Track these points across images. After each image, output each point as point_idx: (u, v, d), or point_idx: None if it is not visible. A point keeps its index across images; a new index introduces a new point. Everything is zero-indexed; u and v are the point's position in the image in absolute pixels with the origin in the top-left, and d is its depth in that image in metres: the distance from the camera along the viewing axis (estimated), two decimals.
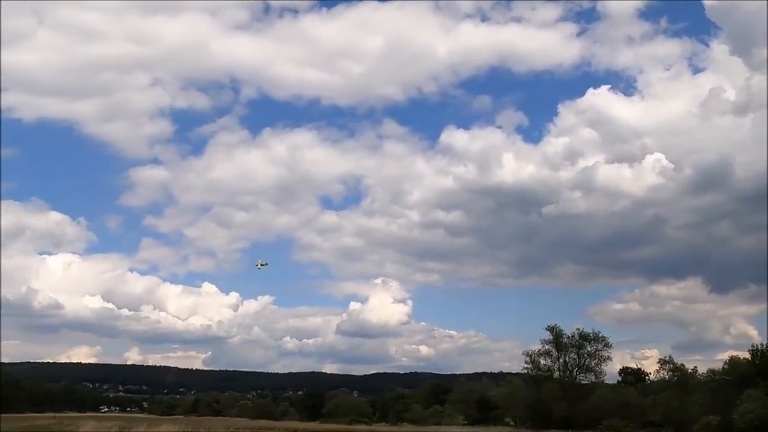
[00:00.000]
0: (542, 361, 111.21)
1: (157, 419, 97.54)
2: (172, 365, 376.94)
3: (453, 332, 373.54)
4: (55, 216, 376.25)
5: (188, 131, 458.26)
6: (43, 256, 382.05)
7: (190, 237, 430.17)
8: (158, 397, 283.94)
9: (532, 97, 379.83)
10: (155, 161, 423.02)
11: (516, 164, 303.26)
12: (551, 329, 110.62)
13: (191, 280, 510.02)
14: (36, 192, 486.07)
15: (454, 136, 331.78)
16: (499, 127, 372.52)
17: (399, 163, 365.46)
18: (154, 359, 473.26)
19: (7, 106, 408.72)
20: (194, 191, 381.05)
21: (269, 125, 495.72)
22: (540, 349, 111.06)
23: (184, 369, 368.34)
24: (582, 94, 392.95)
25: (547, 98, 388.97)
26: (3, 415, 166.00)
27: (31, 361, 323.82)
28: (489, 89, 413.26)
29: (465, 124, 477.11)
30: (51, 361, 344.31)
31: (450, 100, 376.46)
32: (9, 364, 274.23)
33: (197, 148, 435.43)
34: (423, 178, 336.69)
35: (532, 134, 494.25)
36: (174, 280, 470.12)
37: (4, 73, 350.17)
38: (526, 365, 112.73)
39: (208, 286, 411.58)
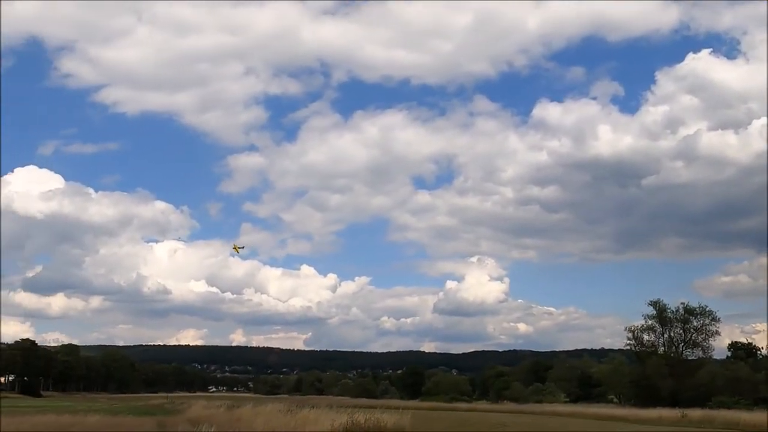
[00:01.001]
0: (646, 337, 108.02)
1: (262, 398, 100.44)
2: (274, 346, 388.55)
3: (552, 309, 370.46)
4: (160, 205, 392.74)
5: (282, 117, 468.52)
6: (150, 243, 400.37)
7: (287, 221, 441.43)
8: (263, 377, 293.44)
9: (627, 66, 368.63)
10: (251, 148, 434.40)
11: (613, 136, 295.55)
12: (654, 304, 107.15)
13: (290, 263, 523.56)
14: (141, 183, 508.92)
15: (547, 110, 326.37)
16: (594, 99, 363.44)
17: (491, 140, 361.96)
18: (258, 340, 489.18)
19: (111, 101, 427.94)
20: (289, 176, 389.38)
21: (360, 108, 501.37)
22: (643, 325, 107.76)
23: (286, 349, 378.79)
24: (681, 59, 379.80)
25: (643, 66, 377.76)
26: (119, 394, 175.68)
27: (143, 344, 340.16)
28: (582, 60, 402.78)
29: (558, 96, 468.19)
30: (161, 343, 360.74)
31: (542, 73, 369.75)
32: (123, 347, 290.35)
33: (291, 133, 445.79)
34: (516, 153, 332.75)
35: (629, 104, 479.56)
36: (273, 263, 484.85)
37: (107, 69, 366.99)
38: (628, 341, 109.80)
39: (306, 269, 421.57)
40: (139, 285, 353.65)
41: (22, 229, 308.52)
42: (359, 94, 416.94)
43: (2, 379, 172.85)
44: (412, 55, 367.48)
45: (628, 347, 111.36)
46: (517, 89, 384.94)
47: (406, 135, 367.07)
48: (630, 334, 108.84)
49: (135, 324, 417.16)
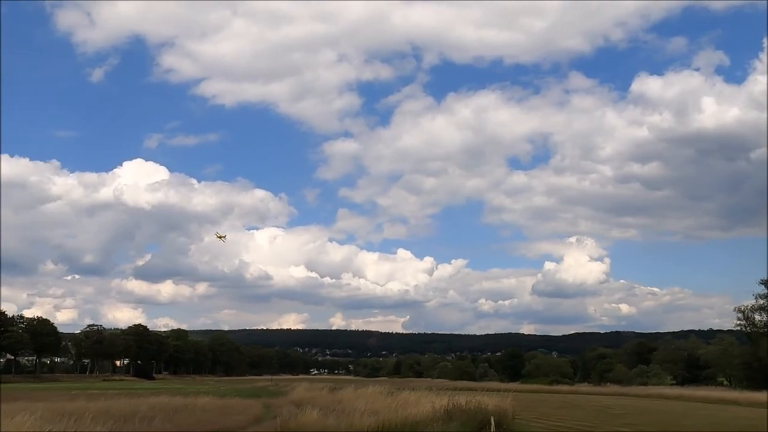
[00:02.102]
0: (757, 317, 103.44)
1: (363, 381, 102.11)
2: (373, 329, 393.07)
3: (655, 289, 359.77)
4: (260, 193, 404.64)
5: (375, 103, 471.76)
6: (251, 231, 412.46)
7: (382, 205, 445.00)
8: (362, 360, 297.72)
9: (732, 34, 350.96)
10: (346, 134, 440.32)
11: (717, 108, 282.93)
12: (765, 282, 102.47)
13: (386, 247, 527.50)
14: (241, 172, 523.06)
15: (647, 84, 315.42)
16: (697, 70, 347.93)
17: (588, 117, 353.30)
18: (357, 324, 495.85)
19: (210, 93, 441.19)
20: (384, 161, 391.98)
21: (453, 90, 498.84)
22: (754, 305, 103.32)
23: (384, 333, 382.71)
24: None
25: (750, 33, 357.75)
26: (226, 377, 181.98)
27: (247, 328, 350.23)
28: (683, 30, 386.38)
29: (658, 69, 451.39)
30: (264, 328, 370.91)
31: (640, 46, 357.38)
32: (228, 331, 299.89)
33: (384, 118, 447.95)
34: (614, 130, 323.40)
35: (735, 74, 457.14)
36: (370, 247, 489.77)
37: (205, 63, 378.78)
38: (738, 322, 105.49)
39: (402, 252, 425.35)
40: (242, 271, 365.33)
41: (131, 219, 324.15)
42: (451, 76, 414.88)
43: (118, 363, 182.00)
44: (504, 34, 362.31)
45: (739, 328, 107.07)
46: (614, 64, 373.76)
47: (499, 115, 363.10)
48: (740, 314, 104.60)
49: (239, 309, 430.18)
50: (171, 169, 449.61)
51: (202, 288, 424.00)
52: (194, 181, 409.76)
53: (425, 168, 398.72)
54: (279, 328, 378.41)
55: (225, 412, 37.41)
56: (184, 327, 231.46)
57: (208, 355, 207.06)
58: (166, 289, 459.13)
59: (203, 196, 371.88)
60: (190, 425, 29.51)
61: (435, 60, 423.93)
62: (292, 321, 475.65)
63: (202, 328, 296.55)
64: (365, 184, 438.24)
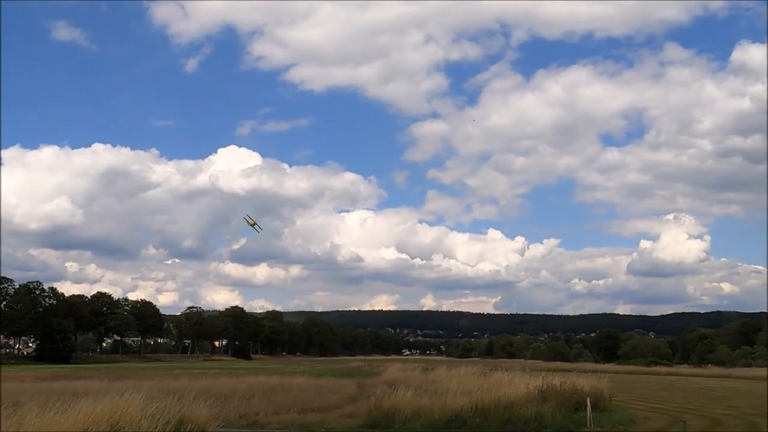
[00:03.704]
0: None
1: (455, 361, 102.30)
2: (464, 310, 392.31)
3: (761, 267, 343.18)
4: (349, 176, 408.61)
5: (463, 82, 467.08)
6: (342, 213, 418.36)
7: (472, 186, 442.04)
8: (454, 341, 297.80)
9: None
10: (434, 115, 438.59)
11: None
12: None
13: (477, 228, 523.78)
14: (331, 156, 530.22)
15: (749, 52, 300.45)
16: None
17: (685, 90, 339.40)
18: (448, 305, 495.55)
19: (300, 79, 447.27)
20: (473, 141, 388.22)
21: (542, 66, 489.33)
22: None
23: (476, 313, 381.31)
24: None
25: None
26: (320, 357, 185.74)
27: (340, 309, 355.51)
28: None
29: (761, 37, 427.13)
30: (356, 309, 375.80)
31: (742, 13, 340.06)
32: (321, 312, 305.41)
33: (472, 98, 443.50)
34: (714, 102, 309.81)
35: None
36: (460, 228, 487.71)
37: (295, 49, 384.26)
38: None
39: (493, 233, 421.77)
40: (334, 254, 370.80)
41: (227, 205, 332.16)
42: (540, 53, 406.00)
43: (217, 343, 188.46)
44: (596, 6, 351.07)
45: None
46: (713, 33, 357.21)
47: (591, 91, 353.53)
48: None
49: (331, 290, 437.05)
50: (263, 155, 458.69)
51: (295, 270, 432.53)
52: (286, 165, 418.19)
53: (515, 147, 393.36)
54: (371, 309, 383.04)
55: (320, 391, 38.21)
56: (279, 308, 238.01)
57: (303, 336, 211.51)
58: (261, 271, 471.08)
59: (295, 181, 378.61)
60: (288, 404, 30.28)
61: (524, 36, 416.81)
62: (383, 302, 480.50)
63: (296, 309, 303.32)
64: (454, 165, 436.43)
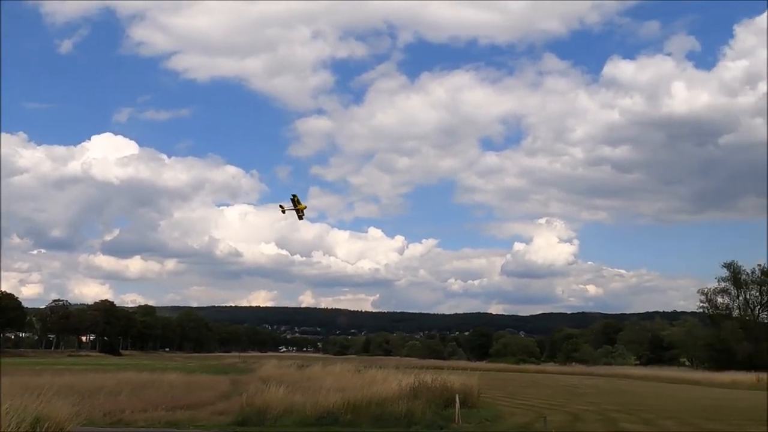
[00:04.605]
0: (719, 300, 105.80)
1: (331, 359, 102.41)
2: (343, 307, 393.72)
3: (623, 271, 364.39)
4: (231, 169, 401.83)
5: (349, 80, 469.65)
6: (221, 207, 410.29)
7: (355, 184, 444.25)
8: (331, 338, 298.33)
9: (705, 20, 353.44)
10: (319, 112, 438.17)
11: (688, 93, 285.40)
12: (728, 266, 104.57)
13: (358, 226, 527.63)
14: (212, 148, 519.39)
15: (619, 67, 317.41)
16: (669, 55, 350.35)
17: (561, 99, 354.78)
18: (326, 302, 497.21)
19: (183, 68, 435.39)
20: (357, 139, 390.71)
21: (427, 69, 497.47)
22: (717, 287, 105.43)
23: (354, 311, 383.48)
24: (761, 11, 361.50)
25: (721, 19, 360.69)
26: (195, 354, 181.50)
27: (216, 305, 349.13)
28: (657, 14, 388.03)
29: (631, 53, 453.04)
30: (233, 305, 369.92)
31: (615, 29, 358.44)
32: (197, 308, 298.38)
33: (358, 96, 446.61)
34: (587, 113, 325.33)
35: (706, 59, 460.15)
36: (342, 226, 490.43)
37: (178, 36, 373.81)
38: (701, 304, 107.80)
39: (374, 231, 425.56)
40: (212, 248, 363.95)
41: (101, 194, 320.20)
42: (426, 56, 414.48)
43: (84, 339, 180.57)
44: (481, 13, 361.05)
45: (702, 310, 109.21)
46: (588, 47, 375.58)
47: (474, 96, 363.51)
48: (703, 297, 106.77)
49: (208, 285, 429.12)
50: (141, 144, 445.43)
51: (171, 264, 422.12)
52: (164, 156, 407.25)
53: (399, 147, 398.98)
54: (248, 305, 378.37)
55: (192, 388, 37.27)
56: (152, 303, 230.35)
57: (177, 332, 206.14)
58: (135, 264, 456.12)
59: (174, 172, 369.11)
60: (157, 401, 29.34)
61: (410, 38, 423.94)
62: (261, 298, 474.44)
63: (171, 305, 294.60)
64: (338, 163, 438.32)
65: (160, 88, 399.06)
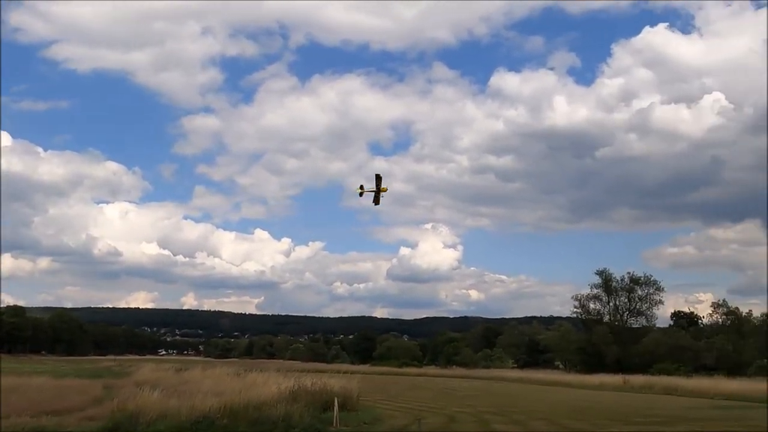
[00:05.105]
0: (592, 305, 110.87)
1: (212, 362, 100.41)
2: (226, 310, 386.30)
3: (504, 277, 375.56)
4: (112, 165, 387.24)
5: (239, 79, 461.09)
6: (100, 205, 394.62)
7: (242, 184, 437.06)
8: (213, 341, 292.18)
9: (585, 38, 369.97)
10: (207, 110, 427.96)
11: (568, 107, 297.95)
12: (600, 273, 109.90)
13: (244, 227, 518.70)
14: (93, 142, 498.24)
15: (505, 79, 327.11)
16: (551, 69, 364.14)
17: (449, 108, 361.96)
18: (210, 304, 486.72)
19: (63, 57, 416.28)
20: (246, 139, 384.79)
21: (318, 72, 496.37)
22: (589, 293, 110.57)
23: (238, 313, 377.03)
24: (638, 32, 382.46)
25: (601, 38, 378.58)
26: (68, 357, 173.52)
27: (93, 306, 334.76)
28: (542, 30, 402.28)
29: (516, 66, 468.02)
30: (111, 306, 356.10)
31: (502, 42, 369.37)
32: (72, 309, 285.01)
33: (248, 95, 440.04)
34: (473, 122, 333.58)
35: (585, 76, 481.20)
36: (227, 227, 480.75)
37: (59, 24, 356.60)
38: (575, 309, 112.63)
39: (260, 233, 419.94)
40: (89, 246, 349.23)
41: None
42: (318, 58, 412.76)
43: None
44: (374, 19, 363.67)
45: (575, 315, 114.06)
46: (476, 57, 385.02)
47: (364, 100, 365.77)
48: (577, 302, 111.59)
49: (84, 286, 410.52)
50: (14, 136, 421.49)
51: (44, 263, 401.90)
52: (40, 149, 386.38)
53: (288, 148, 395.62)
54: (127, 306, 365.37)
55: (62, 393, 35.61)
56: (23, 303, 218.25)
57: (49, 334, 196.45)
58: (5, 263, 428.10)
59: (50, 166, 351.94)
60: (22, 407, 27.87)
61: (302, 40, 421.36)
62: (141, 299, 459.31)
63: (43, 305, 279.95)
64: (225, 162, 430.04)
65: (38, 78, 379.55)
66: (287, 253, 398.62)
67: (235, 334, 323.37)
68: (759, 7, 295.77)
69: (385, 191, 41.09)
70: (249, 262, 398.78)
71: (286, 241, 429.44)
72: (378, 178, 40.56)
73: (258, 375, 38.62)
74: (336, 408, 26.17)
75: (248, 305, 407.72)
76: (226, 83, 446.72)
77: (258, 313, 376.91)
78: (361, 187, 40.24)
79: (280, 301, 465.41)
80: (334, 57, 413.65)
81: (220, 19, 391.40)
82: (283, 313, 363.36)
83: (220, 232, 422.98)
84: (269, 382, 33.33)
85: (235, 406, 25.65)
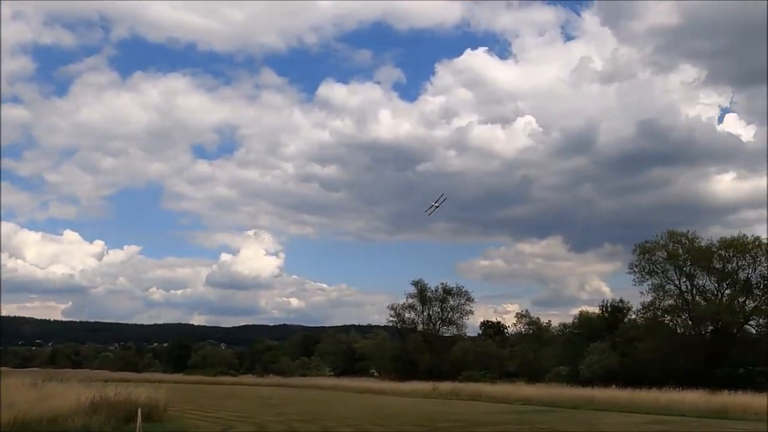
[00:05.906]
0: (407, 314, 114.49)
1: (9, 371, 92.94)
2: (29, 315, 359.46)
3: (325, 285, 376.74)
4: None
5: (52, 70, 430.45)
6: None
7: (51, 182, 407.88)
8: (12, 349, 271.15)
9: (411, 55, 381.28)
10: (15, 100, 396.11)
11: (393, 121, 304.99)
12: (416, 283, 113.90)
13: (52, 227, 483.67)
14: None
15: (333, 90, 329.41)
16: (378, 83, 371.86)
17: (276, 114, 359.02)
18: (9, 309, 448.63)
19: None
20: (58, 134, 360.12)
21: (141, 68, 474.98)
22: (405, 303, 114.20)
23: (41, 319, 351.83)
24: (460, 54, 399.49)
25: (425, 57, 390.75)
26: None
27: None
28: (370, 44, 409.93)
29: (344, 78, 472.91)
30: None
31: (331, 53, 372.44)
32: None
33: (62, 88, 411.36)
34: (300, 130, 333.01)
35: (410, 92, 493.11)
36: (33, 226, 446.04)
37: None
38: (391, 318, 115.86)
39: (70, 234, 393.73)
40: None
41: None
42: (141, 54, 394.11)
43: None
44: (202, 19, 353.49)
45: (391, 324, 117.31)
46: (305, 66, 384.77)
47: (189, 101, 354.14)
48: (393, 312, 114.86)
49: None
50: None
51: None
52: None
53: (105, 146, 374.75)
54: None
55: None
56: None
57: None
58: None
59: None
60: None
61: (125, 34, 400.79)
62: None
63: None
64: (33, 157, 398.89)
65: None
66: (99, 257, 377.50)
67: (38, 341, 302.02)
68: (568, 39, 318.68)
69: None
70: (56, 264, 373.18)
71: (98, 244, 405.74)
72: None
73: (57, 385, 36.23)
74: (139, 419, 25.11)
75: (53, 311, 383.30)
76: (38, 73, 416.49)
77: (64, 319, 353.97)
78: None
79: (89, 306, 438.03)
80: (158, 54, 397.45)
81: (35, 4, 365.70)
82: (93, 320, 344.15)
83: (24, 231, 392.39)
84: (68, 393, 31.39)
85: (27, 419, 23.96)
